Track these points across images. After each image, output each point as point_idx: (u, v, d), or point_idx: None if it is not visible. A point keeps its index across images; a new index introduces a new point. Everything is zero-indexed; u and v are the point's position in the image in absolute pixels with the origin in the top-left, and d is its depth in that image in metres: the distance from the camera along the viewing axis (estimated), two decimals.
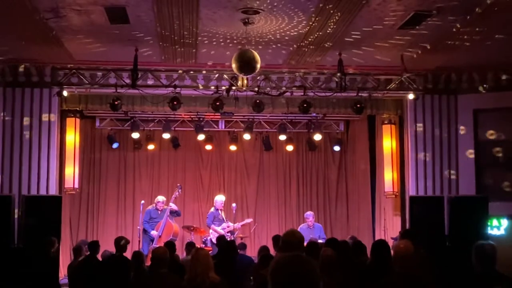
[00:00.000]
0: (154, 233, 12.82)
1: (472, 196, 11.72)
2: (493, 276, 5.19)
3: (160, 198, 13.40)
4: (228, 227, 13.11)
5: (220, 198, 13.55)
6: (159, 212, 13.16)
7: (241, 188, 15.61)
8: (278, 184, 15.77)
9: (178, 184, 14.00)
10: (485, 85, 12.13)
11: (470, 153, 12.28)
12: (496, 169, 12.26)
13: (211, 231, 13.14)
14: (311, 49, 10.69)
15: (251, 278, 7.92)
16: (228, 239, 11.85)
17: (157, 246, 12.00)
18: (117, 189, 15.34)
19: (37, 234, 9.76)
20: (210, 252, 10.37)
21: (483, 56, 11.04)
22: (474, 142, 12.27)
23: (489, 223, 11.45)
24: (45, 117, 11.88)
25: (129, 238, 10.61)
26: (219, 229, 13.00)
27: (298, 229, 12.83)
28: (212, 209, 13.45)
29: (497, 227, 12.09)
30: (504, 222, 12.21)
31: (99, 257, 9.76)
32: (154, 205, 13.31)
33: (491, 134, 12.34)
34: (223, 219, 13.28)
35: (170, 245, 9.11)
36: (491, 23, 9.20)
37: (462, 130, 12.31)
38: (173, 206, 13.24)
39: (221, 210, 13.40)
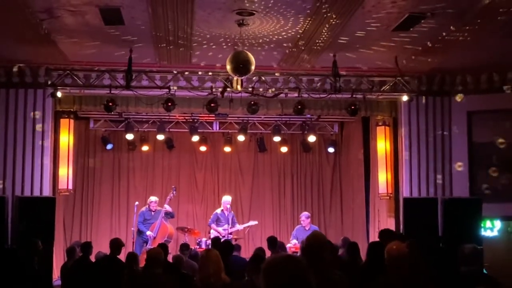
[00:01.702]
0: (149, 233, 12.79)
1: (465, 197, 11.76)
2: (476, 276, 5.30)
3: (153, 198, 13.36)
4: (230, 228, 13.06)
5: (225, 199, 13.50)
6: (153, 213, 13.14)
7: (235, 190, 15.60)
8: (272, 185, 15.78)
9: (173, 186, 13.98)
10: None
11: (464, 155, 12.31)
12: (489, 170, 12.29)
13: (211, 230, 13.13)
14: (306, 51, 10.71)
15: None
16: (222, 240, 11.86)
17: (151, 247, 12.01)
18: (111, 190, 15.31)
19: (31, 235, 9.75)
20: None
21: (477, 58, 11.09)
22: (467, 143, 12.31)
23: (482, 225, 11.49)
24: (38, 118, 11.84)
25: (123, 239, 10.59)
26: (220, 229, 12.97)
27: (295, 230, 12.94)
28: (218, 210, 13.42)
29: (490, 229, 12.13)
30: (498, 223, 12.25)
31: (93, 258, 9.76)
32: (147, 206, 13.28)
33: (484, 136, 12.37)
34: (226, 220, 13.17)
35: (163, 247, 9.10)
36: (485, 25, 9.23)
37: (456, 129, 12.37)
38: (167, 207, 13.22)
39: (227, 211, 13.34)
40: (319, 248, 4.60)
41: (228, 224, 13.06)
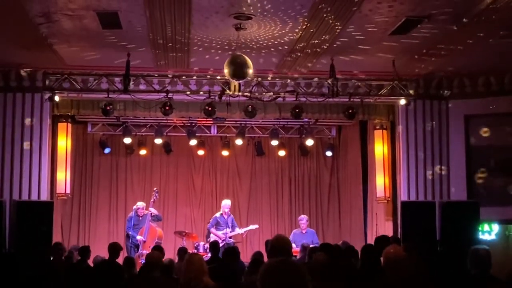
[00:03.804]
0: (139, 238, 12.76)
1: (463, 201, 11.76)
2: (487, 279, 5.31)
3: (140, 204, 13.28)
4: (230, 232, 13.04)
5: (224, 203, 13.48)
6: (140, 218, 13.10)
7: (233, 193, 15.59)
8: (270, 189, 15.77)
9: (155, 188, 13.85)
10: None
11: (461, 158, 12.32)
12: (487, 174, 12.31)
13: (211, 234, 13.12)
14: (303, 55, 10.72)
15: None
16: (221, 245, 11.85)
17: (143, 251, 12.00)
18: (109, 194, 15.30)
19: (29, 240, 9.74)
20: (203, 257, 10.36)
21: (474, 62, 11.11)
22: (465, 147, 12.32)
23: (480, 228, 11.50)
24: (36, 122, 11.84)
25: (121, 243, 10.58)
26: (220, 233, 12.95)
27: (291, 234, 12.91)
28: (217, 214, 13.42)
29: (488, 232, 12.14)
30: (495, 227, 12.26)
31: (90, 262, 9.75)
32: (134, 211, 13.17)
33: (482, 139, 12.39)
34: (226, 224, 13.16)
35: (160, 249, 9.12)
36: (482, 29, 9.26)
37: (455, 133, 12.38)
38: (153, 210, 13.17)
39: (227, 214, 13.31)
40: (282, 250, 4.62)
41: (228, 227, 13.04)
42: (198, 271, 5.45)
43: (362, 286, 5.49)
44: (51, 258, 8.56)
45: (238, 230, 13.37)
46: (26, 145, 11.75)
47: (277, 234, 5.39)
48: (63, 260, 8.38)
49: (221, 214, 13.28)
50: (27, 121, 11.81)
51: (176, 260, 10.46)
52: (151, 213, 13.08)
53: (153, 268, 6.38)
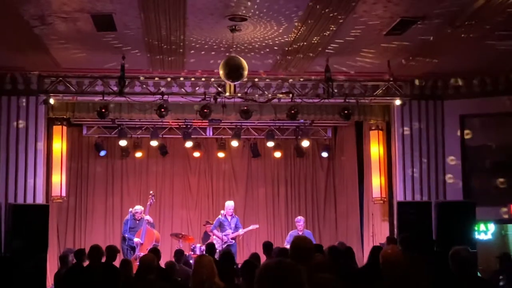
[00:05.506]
0: (137, 240, 12.71)
1: (459, 201, 11.77)
2: (472, 280, 5.30)
3: (138, 208, 13.19)
4: (232, 233, 13.00)
5: (227, 204, 13.43)
6: (137, 221, 13.04)
7: (229, 195, 15.57)
8: (266, 190, 15.78)
9: (151, 192, 13.76)
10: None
11: (457, 159, 12.34)
12: (483, 174, 12.33)
13: (214, 236, 13.08)
14: (299, 56, 10.72)
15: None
16: (218, 247, 11.83)
17: (140, 253, 11.96)
18: (105, 197, 15.28)
19: (24, 243, 9.69)
20: None
21: (469, 62, 11.13)
22: (460, 147, 12.34)
23: (476, 228, 11.51)
24: (31, 125, 11.81)
25: (117, 245, 10.54)
26: (221, 235, 12.92)
27: (288, 236, 12.92)
28: (220, 216, 13.38)
29: (484, 232, 12.16)
30: (491, 226, 12.28)
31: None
32: (131, 215, 13.10)
33: (477, 140, 12.41)
34: (229, 225, 13.10)
35: (155, 251, 9.09)
36: (476, 30, 9.27)
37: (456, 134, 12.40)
38: (148, 218, 13.07)
39: (230, 216, 13.27)
40: (307, 251, 4.60)
41: (231, 229, 13.00)
42: (209, 272, 5.46)
43: (363, 286, 5.48)
44: (87, 262, 8.45)
45: (240, 231, 13.33)
46: (21, 148, 11.71)
47: (298, 235, 5.39)
48: (101, 264, 8.28)
49: (224, 215, 13.24)
50: (22, 124, 11.78)
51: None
52: (147, 220, 13.02)
53: (148, 271, 6.35)
